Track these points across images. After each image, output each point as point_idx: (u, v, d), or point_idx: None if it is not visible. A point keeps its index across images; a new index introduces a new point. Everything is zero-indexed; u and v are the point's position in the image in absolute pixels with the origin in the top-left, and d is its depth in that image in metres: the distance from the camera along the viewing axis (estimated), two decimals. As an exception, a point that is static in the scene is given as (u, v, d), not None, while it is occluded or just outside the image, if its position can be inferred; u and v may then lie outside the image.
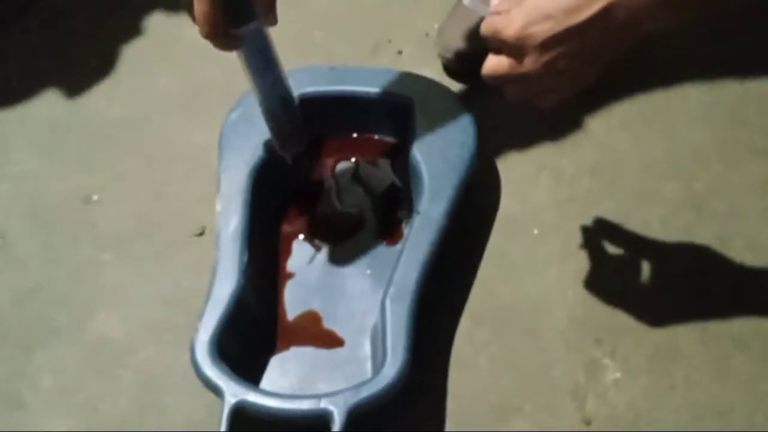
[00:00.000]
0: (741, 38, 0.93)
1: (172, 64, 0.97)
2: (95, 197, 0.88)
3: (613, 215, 0.83)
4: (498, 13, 0.60)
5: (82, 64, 0.98)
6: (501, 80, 0.62)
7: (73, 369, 0.78)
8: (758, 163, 0.86)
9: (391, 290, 0.72)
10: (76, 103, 0.95)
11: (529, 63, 0.59)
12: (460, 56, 0.91)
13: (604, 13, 0.56)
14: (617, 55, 0.60)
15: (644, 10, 0.57)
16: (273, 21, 0.68)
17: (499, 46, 0.61)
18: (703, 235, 0.81)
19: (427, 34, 0.96)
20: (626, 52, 0.61)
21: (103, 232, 0.85)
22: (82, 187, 0.88)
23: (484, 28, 0.61)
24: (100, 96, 0.95)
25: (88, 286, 0.83)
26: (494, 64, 0.61)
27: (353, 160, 0.86)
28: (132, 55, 0.98)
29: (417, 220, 0.76)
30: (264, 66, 0.71)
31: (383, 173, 0.85)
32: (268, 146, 0.81)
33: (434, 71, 0.93)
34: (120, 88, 0.96)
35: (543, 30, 0.57)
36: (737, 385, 0.74)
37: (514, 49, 0.59)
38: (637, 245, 0.80)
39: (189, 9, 0.65)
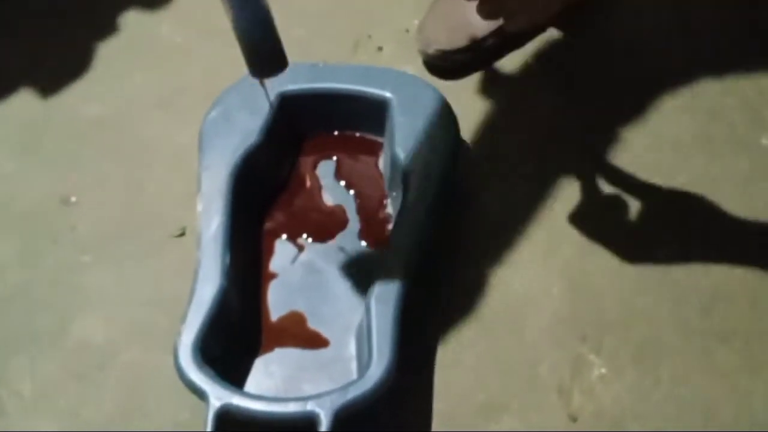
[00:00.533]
0: (719, 34, 0.93)
1: (149, 62, 0.96)
2: (74, 198, 0.86)
3: (595, 210, 0.83)
4: None
5: (56, 63, 0.96)
6: None
7: (54, 374, 0.77)
8: (739, 157, 0.86)
9: (377, 290, 0.72)
10: (52, 102, 0.94)
11: None
12: (440, 52, 0.90)
13: None
14: None
15: None
16: None
17: None
18: (685, 229, 0.81)
19: (407, 30, 0.96)
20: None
21: (83, 233, 0.84)
22: (60, 188, 0.87)
23: None
24: (76, 95, 0.94)
25: (69, 289, 0.81)
26: None
27: (335, 158, 0.85)
28: (108, 53, 0.97)
29: (400, 219, 0.76)
30: None
31: (366, 171, 0.84)
32: (248, 146, 0.80)
33: (415, 67, 0.92)
34: (96, 88, 0.94)
35: None
36: (721, 379, 0.75)
37: None
38: (621, 241, 0.81)
39: None
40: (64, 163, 0.89)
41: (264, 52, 0.63)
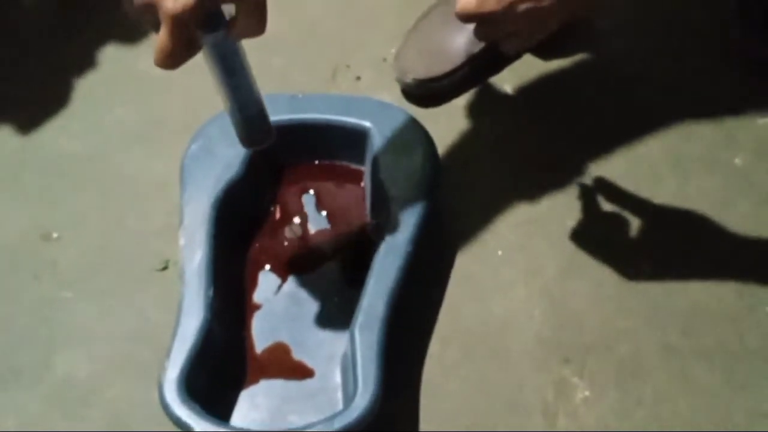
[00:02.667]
0: (691, 55, 0.95)
1: (127, 96, 0.96)
2: (55, 234, 0.86)
3: (574, 233, 0.84)
4: None
5: (34, 98, 0.96)
6: (469, 18, 0.66)
7: (37, 411, 0.77)
8: (711, 177, 0.88)
9: (360, 319, 0.72)
10: (30, 138, 0.94)
11: (493, 3, 0.64)
12: (417, 81, 0.92)
13: None
14: (582, 5, 0.66)
15: None
16: (258, 31, 0.61)
17: None
18: (662, 249, 0.83)
19: (384, 59, 0.97)
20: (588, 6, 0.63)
21: (65, 269, 0.84)
22: (40, 224, 0.87)
23: None
24: (54, 130, 0.94)
25: (51, 324, 0.81)
26: (465, 2, 0.65)
27: (316, 187, 0.86)
28: (86, 87, 0.97)
29: (382, 247, 0.76)
30: (232, 68, 0.66)
31: (347, 199, 0.85)
32: (230, 178, 0.80)
33: (393, 96, 0.93)
34: (75, 122, 0.95)
35: None
36: (701, 396, 0.76)
37: None
38: (600, 262, 0.82)
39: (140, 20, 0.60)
40: (44, 199, 0.89)
41: (255, 127, 0.70)
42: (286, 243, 0.83)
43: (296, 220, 0.84)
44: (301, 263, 0.82)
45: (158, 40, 0.58)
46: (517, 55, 0.70)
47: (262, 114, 0.70)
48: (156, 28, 0.58)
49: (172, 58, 0.59)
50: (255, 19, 0.60)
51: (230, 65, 0.65)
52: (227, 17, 0.61)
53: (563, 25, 0.66)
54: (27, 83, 0.97)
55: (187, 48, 0.59)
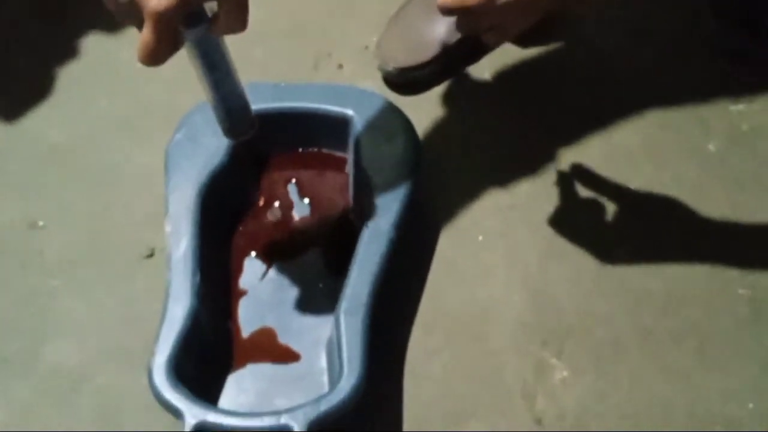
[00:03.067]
0: (665, 42, 0.97)
1: (111, 85, 0.97)
2: (41, 223, 0.87)
3: (553, 219, 0.86)
4: None
5: (17, 88, 0.97)
6: (450, 12, 0.68)
7: (27, 399, 0.78)
8: (686, 163, 0.90)
9: (345, 304, 0.74)
10: (14, 127, 0.94)
11: None
12: (399, 69, 0.93)
13: None
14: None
15: None
16: (240, 27, 0.62)
17: None
18: (638, 234, 0.85)
19: (366, 47, 0.98)
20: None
21: (51, 258, 0.85)
22: (26, 213, 0.87)
23: None
24: (38, 120, 0.95)
25: (38, 313, 0.82)
26: None
27: (300, 175, 0.87)
28: (69, 77, 0.97)
29: (366, 233, 0.78)
30: (214, 63, 0.67)
31: (331, 186, 0.86)
32: (214, 166, 0.81)
33: (375, 84, 0.94)
34: (59, 112, 0.95)
35: None
36: (676, 378, 0.78)
37: None
38: (579, 248, 0.84)
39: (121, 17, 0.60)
40: (30, 188, 0.89)
41: (238, 119, 0.72)
42: (270, 230, 0.84)
43: (280, 206, 0.85)
44: (285, 250, 0.83)
45: (141, 37, 0.58)
46: (497, 45, 0.71)
47: (244, 106, 0.72)
48: (139, 25, 0.59)
49: (155, 55, 0.59)
50: (236, 15, 0.61)
51: (212, 60, 0.66)
52: (209, 13, 0.61)
53: (543, 16, 0.67)
54: (9, 73, 0.98)
55: (170, 45, 0.60)
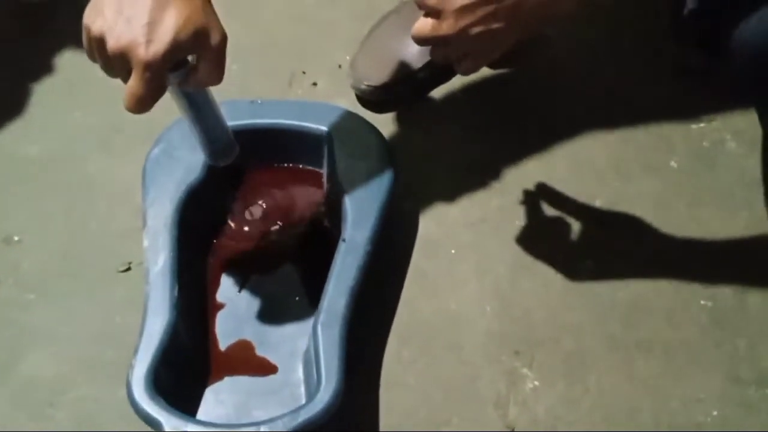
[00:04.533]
0: (629, 62, 1.01)
1: (86, 101, 0.98)
2: (16, 237, 0.87)
3: (522, 233, 0.88)
4: None
5: (-9, 104, 0.97)
6: (424, 41, 0.69)
7: (3, 412, 0.78)
8: (649, 179, 0.93)
9: (322, 316, 0.75)
10: (-10, 142, 0.94)
11: (447, 26, 0.66)
12: (372, 88, 0.95)
13: None
14: (532, 27, 0.68)
15: None
16: (215, 80, 0.66)
17: (425, 9, 0.67)
18: (604, 247, 0.88)
19: (339, 66, 1.00)
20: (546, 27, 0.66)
21: (27, 272, 0.85)
22: (2, 228, 0.88)
23: None
24: (13, 135, 0.95)
25: (15, 327, 0.82)
26: (420, 25, 0.68)
27: (276, 189, 0.88)
28: (44, 93, 0.98)
29: (342, 247, 0.80)
30: (196, 100, 0.71)
31: (306, 201, 0.88)
32: (192, 181, 0.82)
33: (349, 101, 0.96)
34: (34, 127, 0.96)
35: None
36: (642, 385, 0.80)
37: (435, 12, 0.67)
38: (547, 260, 0.86)
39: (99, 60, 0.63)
40: (5, 203, 0.90)
41: (220, 148, 0.76)
42: (247, 243, 0.85)
43: (256, 221, 0.86)
44: (262, 263, 0.85)
45: (129, 87, 0.61)
46: (470, 73, 0.73)
47: (226, 137, 0.76)
48: (125, 75, 0.61)
49: (143, 103, 0.62)
50: (213, 69, 0.64)
51: (194, 98, 0.70)
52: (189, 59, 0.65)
53: (516, 44, 0.69)
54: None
55: (158, 91, 0.62)
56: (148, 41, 0.59)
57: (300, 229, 0.86)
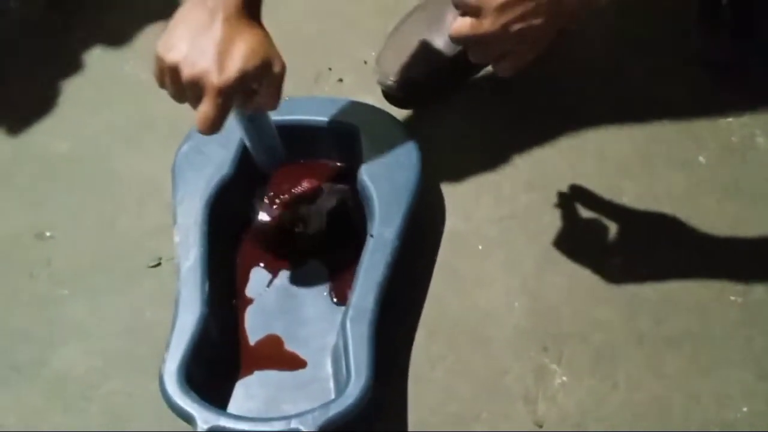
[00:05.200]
0: (657, 56, 1.00)
1: (115, 98, 0.99)
2: (48, 233, 0.88)
3: (550, 228, 0.88)
4: None
5: (23, 101, 0.98)
6: (464, 41, 0.69)
7: (37, 406, 0.79)
8: (677, 175, 0.93)
9: (351, 312, 0.76)
10: (20, 140, 0.96)
11: (487, 24, 0.66)
12: (398, 83, 0.95)
13: None
14: (571, 20, 0.68)
15: None
16: (273, 106, 0.72)
17: (463, 8, 0.67)
18: (633, 243, 0.87)
19: (365, 62, 1.00)
20: (581, 21, 0.68)
21: (59, 267, 0.86)
22: (34, 224, 0.89)
23: None
24: (44, 132, 0.96)
25: (48, 322, 0.83)
26: (459, 25, 0.68)
27: (304, 185, 0.89)
28: (74, 91, 0.99)
29: (371, 243, 0.80)
30: (255, 119, 0.77)
31: (334, 197, 0.88)
32: (221, 177, 0.83)
33: (375, 98, 0.97)
34: (64, 124, 0.97)
35: None
36: (671, 382, 0.80)
37: (475, 10, 0.66)
38: (576, 256, 0.86)
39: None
40: (37, 199, 0.91)
41: (272, 157, 0.81)
42: (276, 239, 0.86)
43: (284, 216, 0.87)
44: (291, 258, 0.85)
45: (202, 110, 0.66)
46: (509, 74, 0.72)
47: (279, 149, 0.80)
48: (196, 101, 0.67)
49: (216, 125, 0.68)
50: (273, 94, 0.70)
51: (253, 119, 0.76)
52: None
53: (554, 42, 0.69)
54: (15, 86, 0.99)
55: (226, 114, 0.68)
56: (221, 70, 0.65)
57: (330, 230, 0.86)
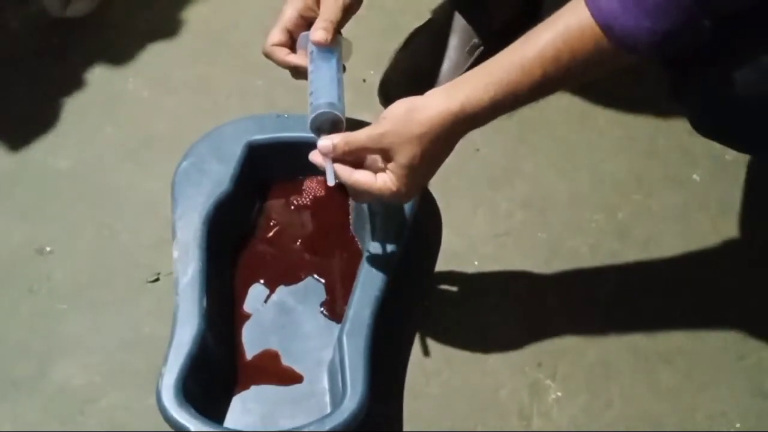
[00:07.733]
0: (650, 75, 1.01)
1: (116, 116, 1.00)
2: (48, 248, 0.89)
3: (545, 245, 0.89)
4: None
5: (25, 118, 0.99)
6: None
7: (35, 420, 0.79)
8: (672, 191, 0.94)
9: (347, 326, 0.76)
10: (21, 156, 0.96)
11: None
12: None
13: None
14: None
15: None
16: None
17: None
18: (627, 259, 0.88)
19: (364, 80, 1.01)
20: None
21: (59, 282, 0.87)
22: (34, 239, 0.90)
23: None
24: (45, 148, 0.97)
25: (46, 336, 0.84)
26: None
27: (301, 201, 0.90)
28: (76, 108, 1.00)
29: (368, 258, 0.81)
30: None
31: (331, 212, 0.89)
32: (220, 194, 0.84)
33: (373, 115, 0.96)
34: (65, 140, 0.98)
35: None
36: (665, 396, 0.81)
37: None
38: (569, 273, 0.87)
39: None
40: (37, 215, 0.92)
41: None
42: (273, 255, 0.87)
43: (282, 232, 0.88)
44: (288, 274, 0.86)
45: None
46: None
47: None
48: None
49: None
50: None
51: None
52: None
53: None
54: (17, 104, 1.00)
55: None
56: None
57: (327, 246, 0.87)
